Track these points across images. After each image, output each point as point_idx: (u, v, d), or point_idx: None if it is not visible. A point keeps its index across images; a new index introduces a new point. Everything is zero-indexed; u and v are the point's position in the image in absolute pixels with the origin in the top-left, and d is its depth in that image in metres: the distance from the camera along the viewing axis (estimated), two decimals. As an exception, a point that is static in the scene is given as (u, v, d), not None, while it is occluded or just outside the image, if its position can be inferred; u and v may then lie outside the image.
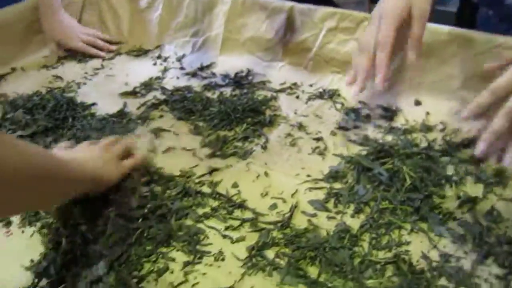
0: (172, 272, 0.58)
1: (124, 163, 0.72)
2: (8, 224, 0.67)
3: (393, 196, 0.66)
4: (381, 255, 0.59)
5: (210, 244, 0.62)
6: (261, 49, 1.07)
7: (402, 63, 0.88)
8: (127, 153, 0.74)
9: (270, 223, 0.64)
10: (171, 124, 0.89)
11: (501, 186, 0.68)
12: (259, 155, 0.79)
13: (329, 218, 0.65)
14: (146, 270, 0.59)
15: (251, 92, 0.96)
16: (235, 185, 0.72)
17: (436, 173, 0.70)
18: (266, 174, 0.74)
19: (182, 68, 1.10)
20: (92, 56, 1.17)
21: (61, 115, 0.89)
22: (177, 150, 0.81)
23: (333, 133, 0.83)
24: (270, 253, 0.60)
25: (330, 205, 0.67)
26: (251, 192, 0.70)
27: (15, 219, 0.68)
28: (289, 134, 0.83)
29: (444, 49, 0.87)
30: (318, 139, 0.81)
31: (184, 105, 0.93)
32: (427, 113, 0.85)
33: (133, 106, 0.96)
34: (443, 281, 0.55)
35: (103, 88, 1.04)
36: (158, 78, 1.07)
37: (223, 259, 0.60)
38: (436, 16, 0.86)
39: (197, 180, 0.73)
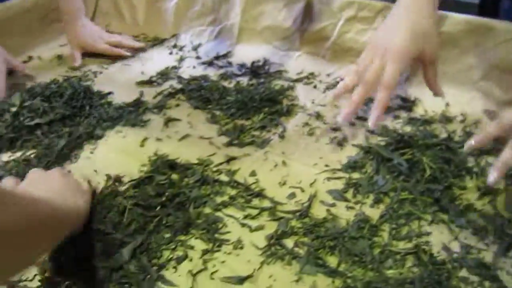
0: (191, 260, 0.58)
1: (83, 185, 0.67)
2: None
3: (413, 186, 0.66)
4: (401, 245, 0.58)
5: (229, 232, 0.62)
6: (278, 38, 1.06)
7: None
8: None
9: (288, 212, 0.64)
10: (188, 113, 0.89)
11: (522, 178, 0.67)
12: (276, 144, 0.78)
13: (348, 208, 0.65)
14: (165, 258, 0.59)
15: (268, 82, 0.96)
16: (253, 174, 0.72)
17: (456, 164, 0.69)
18: (284, 163, 0.74)
19: (198, 57, 1.10)
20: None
21: (78, 103, 0.89)
22: (193, 139, 0.81)
23: (351, 123, 0.82)
24: (289, 242, 0.60)
25: (349, 195, 0.67)
26: (269, 181, 0.70)
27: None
28: (306, 124, 0.83)
29: (465, 39, 0.85)
30: (336, 129, 0.81)
31: (200, 94, 0.93)
32: (447, 104, 0.84)
33: (149, 95, 0.95)
34: (464, 272, 0.54)
35: (119, 77, 1.04)
36: (174, 67, 1.06)
37: (241, 248, 0.60)
38: (458, 8, 0.84)
39: (214, 169, 0.73)
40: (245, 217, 0.64)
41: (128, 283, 0.55)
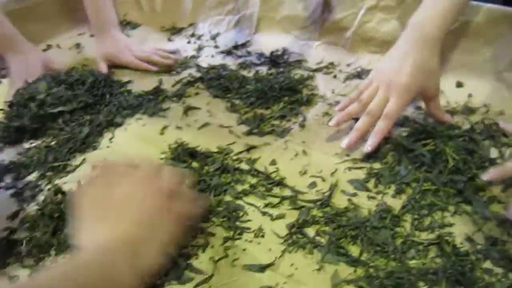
0: (212, 247, 0.58)
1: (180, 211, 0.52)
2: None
3: (436, 177, 0.65)
4: (424, 236, 0.58)
5: (250, 220, 0.62)
6: (298, 28, 1.05)
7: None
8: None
9: (309, 201, 0.64)
10: (207, 101, 0.89)
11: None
12: (297, 134, 0.78)
13: (369, 198, 0.64)
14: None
15: (288, 71, 0.95)
16: (273, 163, 0.71)
17: (479, 155, 0.68)
18: (304, 152, 0.73)
19: (216, 47, 1.10)
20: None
21: (99, 91, 0.89)
22: (213, 127, 0.81)
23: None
24: (310, 231, 0.59)
25: (371, 185, 0.66)
26: (290, 170, 0.70)
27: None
28: (326, 113, 0.82)
29: (489, 29, 0.84)
30: (357, 119, 0.80)
31: (220, 83, 0.93)
32: (470, 95, 0.83)
33: (168, 83, 0.96)
34: (488, 264, 0.54)
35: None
36: (192, 56, 1.06)
37: (263, 236, 0.59)
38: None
39: (235, 157, 0.73)
40: (266, 205, 0.64)
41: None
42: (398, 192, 0.64)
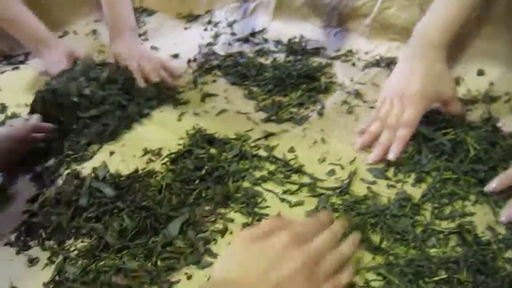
0: (231, 233, 0.58)
1: None
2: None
3: (457, 166, 0.64)
4: (444, 225, 0.57)
5: (268, 207, 0.62)
6: (316, 15, 1.04)
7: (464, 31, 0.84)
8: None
9: (328, 188, 0.64)
10: (224, 88, 0.89)
11: None
12: (315, 121, 0.77)
13: (389, 186, 0.64)
14: (208, 231, 0.59)
15: (305, 59, 0.95)
16: (291, 150, 0.71)
17: (501, 145, 0.67)
18: (323, 140, 0.73)
19: (233, 34, 1.09)
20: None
21: (131, 89, 0.86)
22: (231, 114, 0.81)
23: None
24: (329, 218, 0.59)
25: (390, 173, 0.66)
26: (308, 158, 0.69)
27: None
28: (345, 102, 0.82)
29: (511, 16, 0.82)
30: (376, 108, 0.79)
31: (237, 70, 0.93)
32: (491, 83, 0.82)
33: (185, 70, 0.96)
34: (510, 253, 0.53)
35: (154, 53, 1.04)
36: (209, 43, 1.06)
37: (282, 222, 0.59)
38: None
39: (253, 144, 0.73)
40: (285, 192, 0.64)
41: (176, 258, 0.56)
42: (418, 180, 0.64)
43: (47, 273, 0.56)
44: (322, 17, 1.03)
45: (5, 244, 0.60)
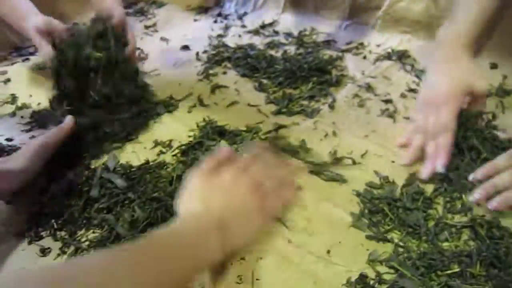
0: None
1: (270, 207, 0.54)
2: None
3: (467, 164, 0.63)
4: (457, 219, 0.57)
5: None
6: (326, 8, 1.03)
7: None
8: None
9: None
10: (235, 80, 0.88)
11: None
12: (326, 115, 0.77)
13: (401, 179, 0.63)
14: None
15: (316, 51, 0.94)
16: (302, 143, 0.71)
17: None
18: (334, 133, 0.73)
19: (243, 26, 1.09)
20: None
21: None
22: (241, 106, 0.81)
23: (403, 95, 0.80)
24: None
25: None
26: (320, 150, 0.69)
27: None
28: (356, 95, 0.81)
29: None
30: (387, 101, 0.79)
31: (247, 62, 0.92)
32: (504, 77, 0.81)
33: (195, 61, 0.95)
34: (523, 248, 0.53)
35: (164, 44, 1.04)
36: (219, 35, 1.06)
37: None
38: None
39: (263, 136, 0.73)
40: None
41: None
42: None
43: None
44: (333, 9, 1.03)
45: (17, 235, 0.60)
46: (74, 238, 0.59)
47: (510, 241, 0.53)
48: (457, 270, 0.50)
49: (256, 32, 1.05)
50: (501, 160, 0.61)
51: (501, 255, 0.51)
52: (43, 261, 0.56)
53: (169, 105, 0.81)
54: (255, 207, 0.52)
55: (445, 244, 0.54)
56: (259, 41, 1.01)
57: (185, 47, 1.02)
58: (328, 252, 0.53)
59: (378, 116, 0.76)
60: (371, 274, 0.51)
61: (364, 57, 0.92)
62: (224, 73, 0.91)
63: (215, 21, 1.13)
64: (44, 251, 0.58)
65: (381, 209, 0.58)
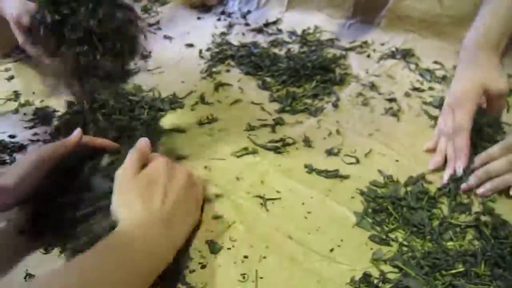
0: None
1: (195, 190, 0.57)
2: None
3: (473, 162, 0.63)
4: (461, 218, 0.57)
5: (279, 192, 0.62)
6: (330, 6, 1.03)
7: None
8: None
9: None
10: (238, 78, 0.88)
11: None
12: (330, 113, 0.77)
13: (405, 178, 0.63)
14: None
15: (320, 50, 0.94)
16: (306, 141, 0.71)
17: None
18: (338, 132, 0.72)
19: (247, 24, 1.09)
20: None
21: None
22: (244, 104, 0.80)
23: (407, 94, 0.80)
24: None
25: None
26: (323, 149, 0.69)
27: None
28: (360, 94, 0.81)
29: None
30: (391, 100, 0.79)
31: (251, 60, 0.92)
32: (509, 76, 0.81)
33: (199, 60, 0.95)
34: (528, 248, 0.53)
35: (167, 43, 1.04)
36: (223, 33, 1.05)
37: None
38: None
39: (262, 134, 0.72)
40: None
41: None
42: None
43: (63, 260, 0.56)
44: (337, 8, 1.02)
45: (20, 232, 0.60)
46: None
47: (515, 241, 0.53)
48: (461, 269, 0.50)
49: (259, 30, 1.05)
50: (496, 149, 0.62)
51: (506, 254, 0.51)
52: (47, 258, 0.56)
53: (172, 103, 0.81)
54: (192, 199, 0.55)
55: (450, 243, 0.54)
56: (262, 39, 1.01)
57: (189, 45, 1.01)
58: (332, 251, 0.53)
59: (382, 115, 0.76)
60: (375, 273, 0.50)
61: (368, 56, 0.92)
62: (228, 71, 0.91)
63: (219, 19, 1.13)
64: (47, 248, 0.57)
65: (385, 208, 0.58)
